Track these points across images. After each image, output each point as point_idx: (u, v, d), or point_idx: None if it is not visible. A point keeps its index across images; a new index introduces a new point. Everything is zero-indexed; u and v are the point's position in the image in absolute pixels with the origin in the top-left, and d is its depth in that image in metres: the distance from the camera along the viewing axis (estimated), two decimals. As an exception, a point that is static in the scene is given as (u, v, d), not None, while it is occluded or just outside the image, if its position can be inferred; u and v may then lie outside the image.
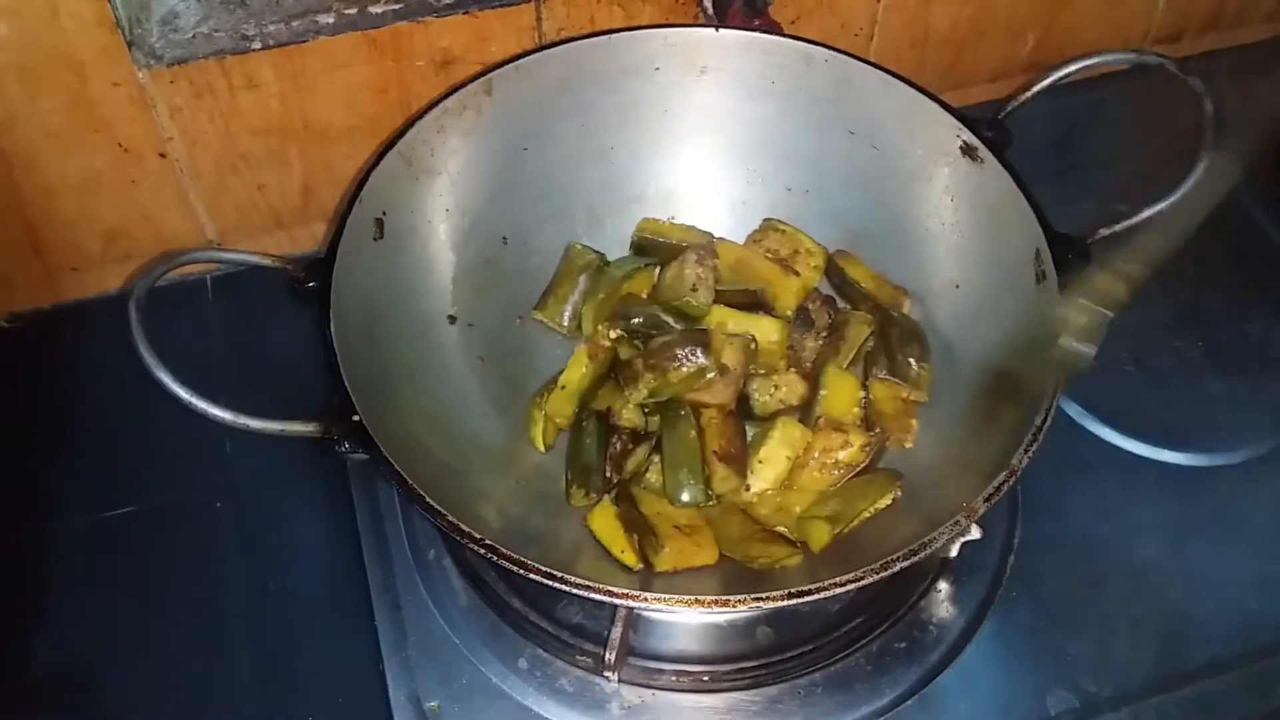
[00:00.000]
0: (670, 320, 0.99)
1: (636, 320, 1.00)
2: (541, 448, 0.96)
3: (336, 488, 1.00)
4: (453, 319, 0.99)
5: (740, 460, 0.92)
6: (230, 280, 1.15)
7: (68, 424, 1.06)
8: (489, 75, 0.97)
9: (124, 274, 1.13)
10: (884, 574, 0.74)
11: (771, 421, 0.94)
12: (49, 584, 0.97)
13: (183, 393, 0.78)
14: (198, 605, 0.96)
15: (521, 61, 0.98)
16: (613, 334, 0.98)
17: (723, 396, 0.94)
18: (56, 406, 1.07)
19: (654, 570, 0.86)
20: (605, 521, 0.90)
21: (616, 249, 1.06)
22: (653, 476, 0.93)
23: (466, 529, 0.75)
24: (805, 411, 0.96)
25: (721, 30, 1.01)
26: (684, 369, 0.93)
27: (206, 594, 0.97)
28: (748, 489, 0.92)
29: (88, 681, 0.92)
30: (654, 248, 1.04)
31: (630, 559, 0.87)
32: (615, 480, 0.92)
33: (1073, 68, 0.98)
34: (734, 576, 0.86)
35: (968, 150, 0.95)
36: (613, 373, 0.97)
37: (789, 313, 1.01)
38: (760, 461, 0.93)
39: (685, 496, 0.90)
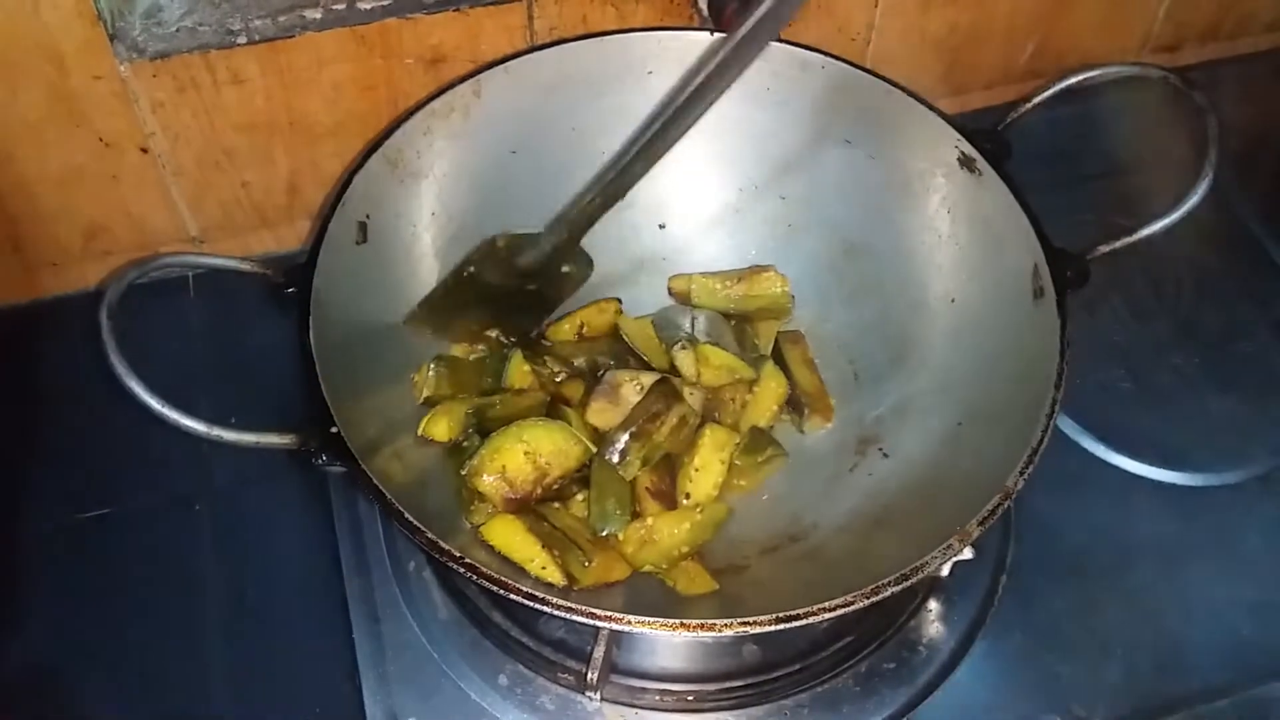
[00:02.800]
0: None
1: (579, 363, 0.98)
2: (445, 438, 0.91)
3: (316, 493, 0.99)
4: None
5: (670, 496, 0.91)
6: (212, 277, 1.13)
7: (43, 422, 1.05)
8: (478, 76, 0.96)
9: (104, 270, 1.11)
10: (874, 599, 0.72)
11: (700, 429, 0.93)
12: (22, 586, 0.95)
13: (155, 403, 0.76)
14: (173, 610, 0.95)
15: (511, 63, 0.97)
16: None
17: (684, 438, 0.94)
18: (32, 404, 1.06)
19: (576, 585, 0.83)
20: (512, 535, 0.84)
21: (605, 256, 1.03)
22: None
23: (446, 546, 0.73)
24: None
25: (717, 34, 0.99)
26: (666, 426, 0.92)
27: (182, 599, 0.95)
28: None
29: (59, 686, 0.91)
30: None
31: (554, 575, 0.82)
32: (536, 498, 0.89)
33: (1074, 80, 0.97)
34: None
35: (966, 162, 0.94)
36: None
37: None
38: (696, 470, 0.92)
39: (610, 527, 0.88)
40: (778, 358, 1.01)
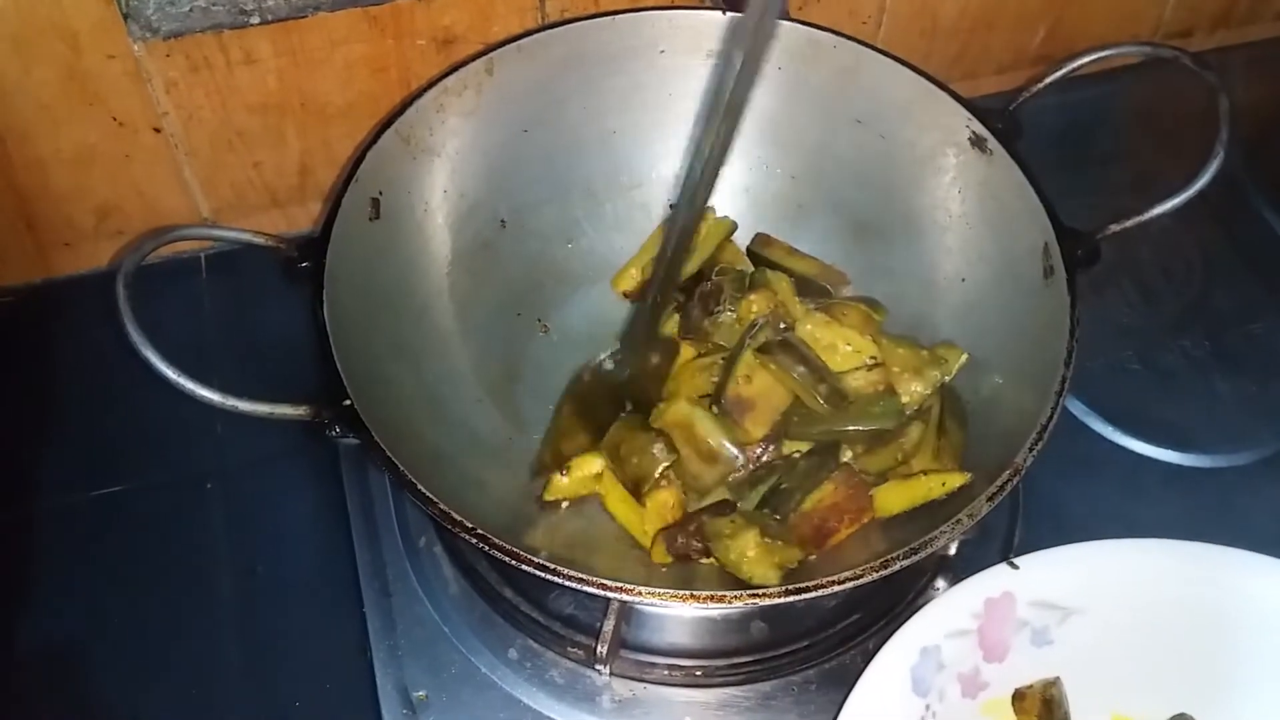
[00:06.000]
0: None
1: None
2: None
3: (327, 470, 0.99)
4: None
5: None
6: (225, 258, 1.14)
7: (57, 401, 1.05)
8: (490, 55, 0.96)
9: (117, 250, 1.11)
10: (883, 573, 0.72)
11: None
12: (35, 563, 0.95)
13: (170, 372, 0.76)
14: (185, 587, 0.95)
15: (524, 41, 0.97)
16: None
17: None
18: (46, 383, 1.06)
19: None
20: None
21: (616, 234, 1.05)
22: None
23: (458, 517, 0.73)
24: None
25: (728, 13, 0.99)
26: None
27: (194, 575, 0.95)
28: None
29: (72, 661, 0.91)
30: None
31: None
32: None
33: (1086, 59, 0.97)
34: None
35: (977, 141, 0.94)
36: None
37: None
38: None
39: None
40: (762, 263, 1.02)
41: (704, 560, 0.84)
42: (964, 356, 0.93)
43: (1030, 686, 0.78)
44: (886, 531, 0.85)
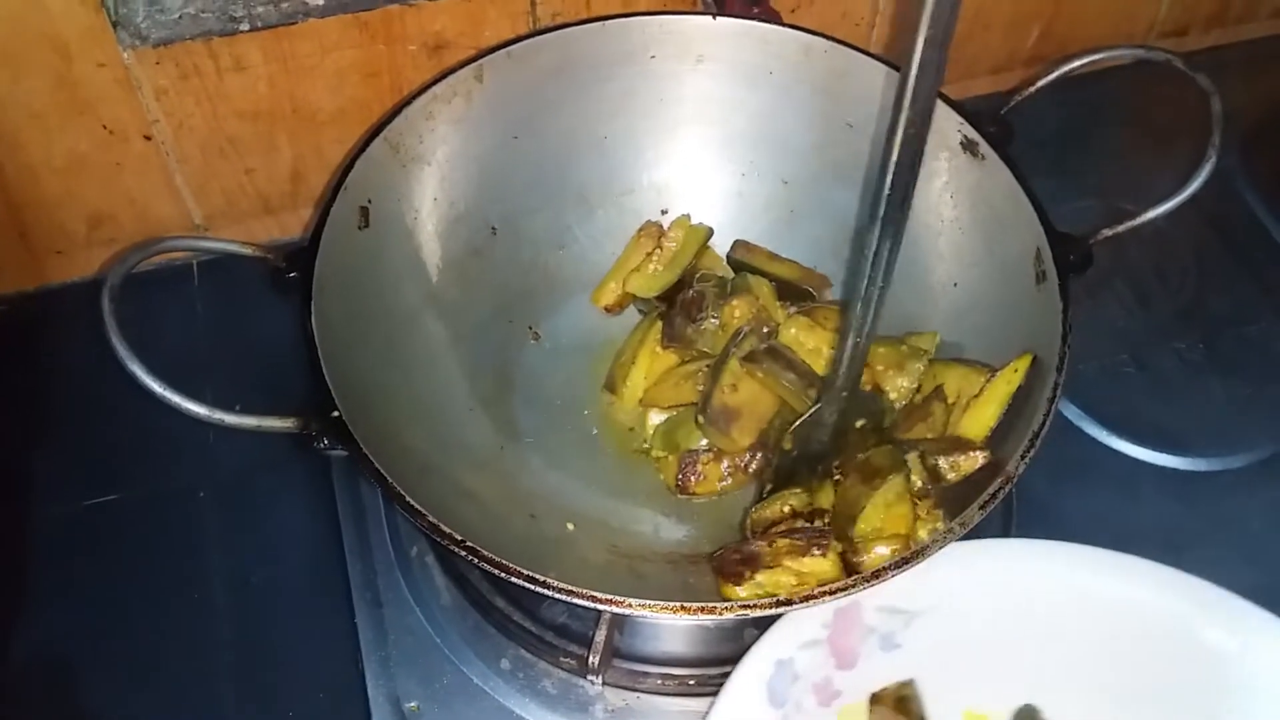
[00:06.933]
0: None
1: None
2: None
3: (319, 480, 0.99)
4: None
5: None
6: (218, 265, 1.13)
7: (50, 409, 1.05)
8: (480, 61, 0.96)
9: (109, 258, 1.11)
10: (875, 583, 0.72)
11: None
12: (27, 573, 0.95)
13: (156, 386, 0.76)
14: (178, 597, 0.95)
15: (514, 48, 0.97)
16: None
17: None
18: (39, 391, 1.06)
19: None
20: None
21: (608, 240, 1.05)
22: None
23: (447, 530, 0.73)
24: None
25: (719, 19, 0.99)
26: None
27: (187, 586, 0.95)
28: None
29: (65, 673, 0.91)
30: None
31: None
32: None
33: (1077, 63, 0.96)
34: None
35: (968, 145, 0.93)
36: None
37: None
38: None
39: None
40: (743, 268, 1.02)
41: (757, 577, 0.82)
42: (937, 337, 0.94)
43: (885, 689, 0.79)
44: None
